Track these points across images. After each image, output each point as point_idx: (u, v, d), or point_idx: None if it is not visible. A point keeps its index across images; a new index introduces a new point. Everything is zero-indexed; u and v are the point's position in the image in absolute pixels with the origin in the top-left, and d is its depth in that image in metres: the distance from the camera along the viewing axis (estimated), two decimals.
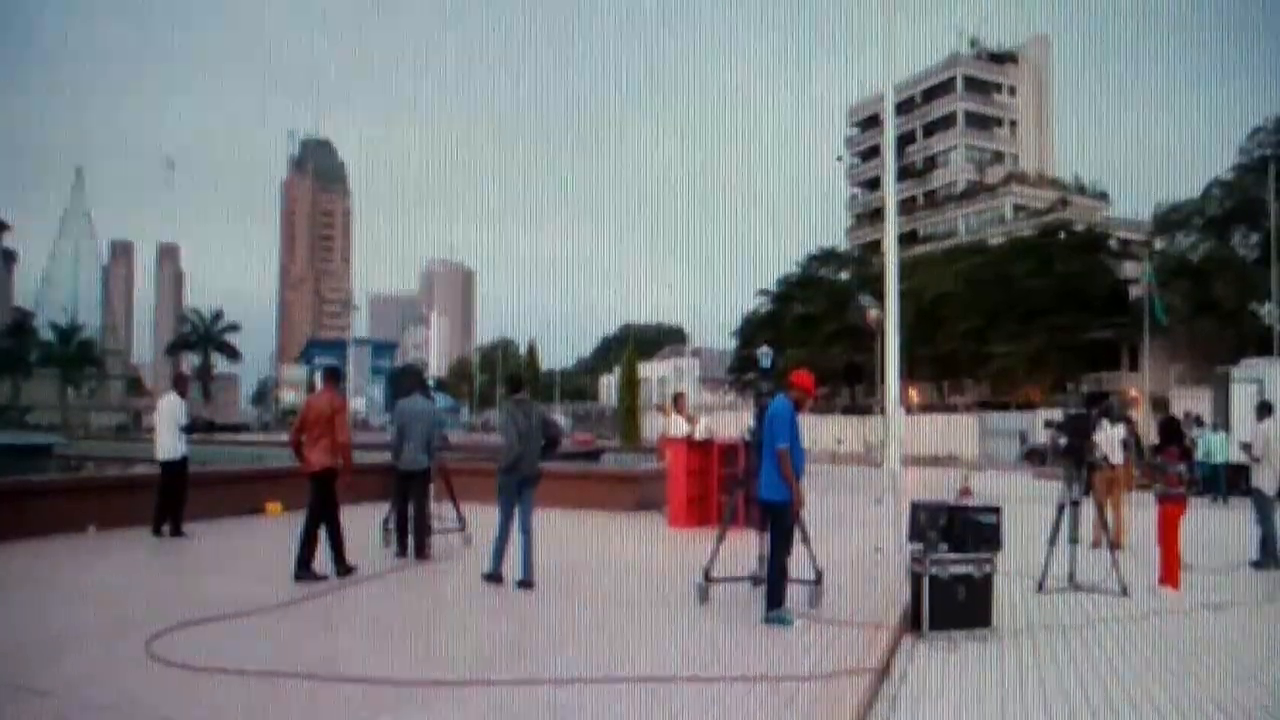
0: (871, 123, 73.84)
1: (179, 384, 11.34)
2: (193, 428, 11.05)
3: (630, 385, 51.27)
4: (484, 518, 8.67)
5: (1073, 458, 8.40)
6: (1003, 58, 76.01)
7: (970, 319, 45.79)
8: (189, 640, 5.69)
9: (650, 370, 68.90)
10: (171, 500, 10.18)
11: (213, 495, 11.54)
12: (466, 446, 23.20)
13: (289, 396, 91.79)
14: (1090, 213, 61.54)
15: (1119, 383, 42.48)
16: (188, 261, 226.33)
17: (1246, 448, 10.53)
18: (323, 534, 7.94)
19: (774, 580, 6.47)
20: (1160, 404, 34.20)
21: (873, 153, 75.20)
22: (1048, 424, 11.94)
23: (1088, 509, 8.69)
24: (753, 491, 7.26)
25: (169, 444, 10.29)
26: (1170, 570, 8.15)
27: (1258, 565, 9.53)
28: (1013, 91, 75.87)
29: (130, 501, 10.68)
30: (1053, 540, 8.01)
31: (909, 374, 30.19)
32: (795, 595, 6.72)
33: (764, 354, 37.67)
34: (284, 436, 9.19)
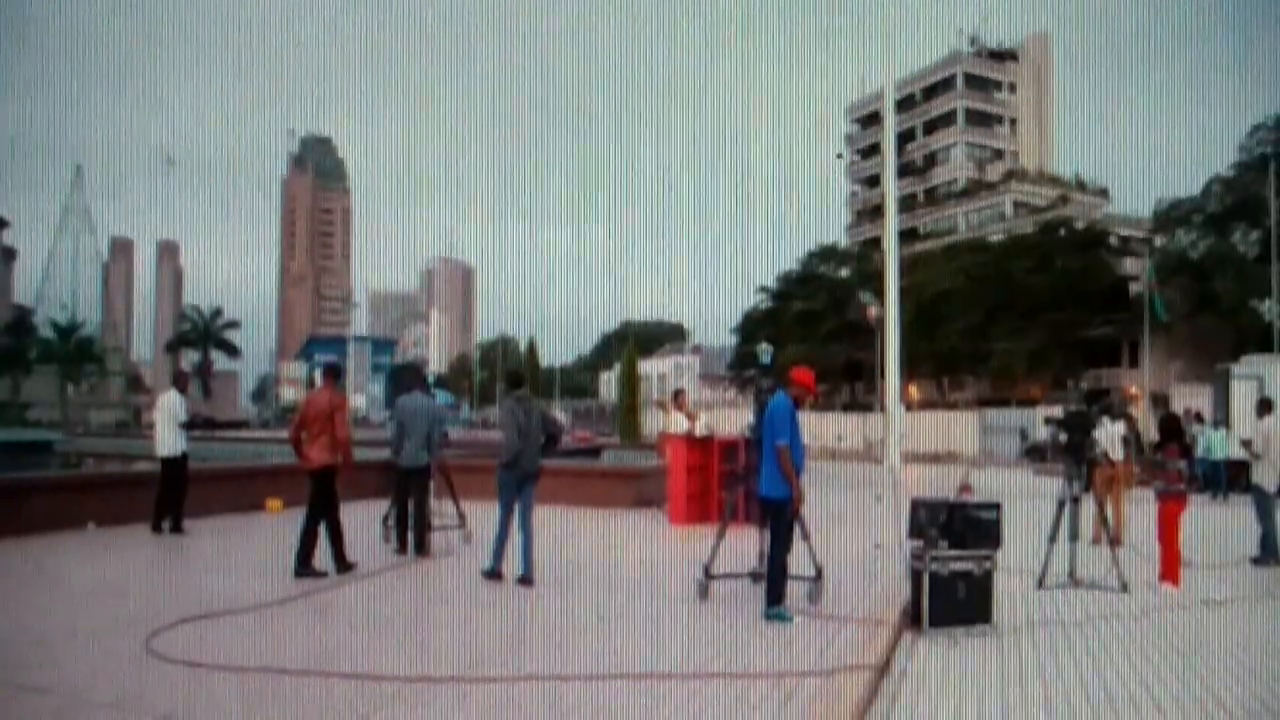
0: (871, 120, 73.82)
1: (179, 381, 11.34)
2: (193, 424, 11.06)
3: (630, 382, 51.17)
4: (484, 515, 8.68)
5: (1073, 454, 8.39)
6: (1003, 55, 76.00)
7: (970, 316, 45.79)
8: (189, 637, 5.69)
9: (650, 367, 68.91)
10: (171, 497, 10.18)
11: (213, 492, 11.54)
12: (466, 443, 23.19)
13: (289, 393, 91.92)
14: (1090, 210, 61.64)
15: (1119, 379, 42.57)
16: (188, 258, 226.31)
17: (1247, 444, 10.54)
18: (323, 531, 7.94)
19: (774, 577, 6.47)
20: (1160, 401, 34.21)
21: (873, 150, 75.18)
22: (1048, 420, 11.97)
23: (1088, 505, 8.69)
24: (753, 488, 7.26)
25: (169, 440, 10.29)
26: (1170, 567, 8.15)
27: (1258, 562, 9.54)
28: (1013, 89, 75.84)
29: (130, 498, 10.69)
30: (1053, 537, 8.01)
31: (909, 371, 30.19)
32: (795, 592, 6.72)
33: (764, 350, 37.79)
34: (284, 433, 9.19)
